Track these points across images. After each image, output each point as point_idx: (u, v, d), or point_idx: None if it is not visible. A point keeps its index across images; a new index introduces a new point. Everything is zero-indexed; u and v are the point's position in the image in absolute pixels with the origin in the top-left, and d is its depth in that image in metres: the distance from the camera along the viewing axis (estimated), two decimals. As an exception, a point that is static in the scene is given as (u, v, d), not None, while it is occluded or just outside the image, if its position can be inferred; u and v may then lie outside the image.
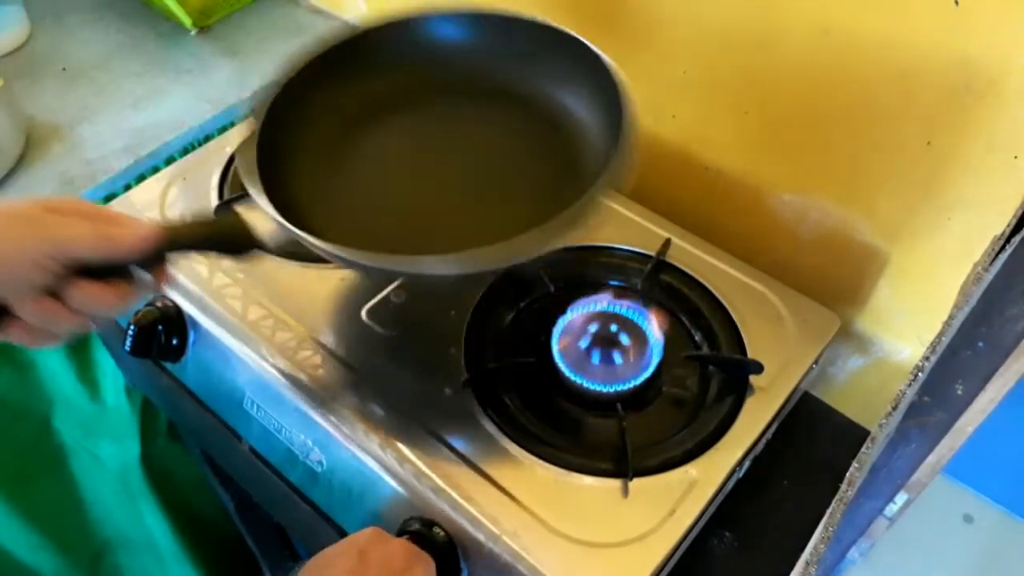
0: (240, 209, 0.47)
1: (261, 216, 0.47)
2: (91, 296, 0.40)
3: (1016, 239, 0.37)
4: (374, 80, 0.60)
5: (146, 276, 0.44)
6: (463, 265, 0.46)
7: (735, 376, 0.58)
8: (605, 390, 0.55)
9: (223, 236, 0.47)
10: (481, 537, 0.50)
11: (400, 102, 0.61)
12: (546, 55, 0.58)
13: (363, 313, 0.60)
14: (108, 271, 0.41)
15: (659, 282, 0.64)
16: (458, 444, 0.53)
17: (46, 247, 0.38)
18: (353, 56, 0.59)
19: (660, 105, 0.69)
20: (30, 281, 0.39)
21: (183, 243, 0.45)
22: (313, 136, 0.57)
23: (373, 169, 0.57)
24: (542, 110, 0.59)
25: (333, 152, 0.58)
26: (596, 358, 0.56)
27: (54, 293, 0.40)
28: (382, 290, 0.61)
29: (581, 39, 0.55)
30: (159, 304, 0.62)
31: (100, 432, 0.79)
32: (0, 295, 0.39)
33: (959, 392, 0.34)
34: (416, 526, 0.51)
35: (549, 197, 0.53)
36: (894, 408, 0.39)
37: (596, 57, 0.54)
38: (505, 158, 0.58)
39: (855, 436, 0.62)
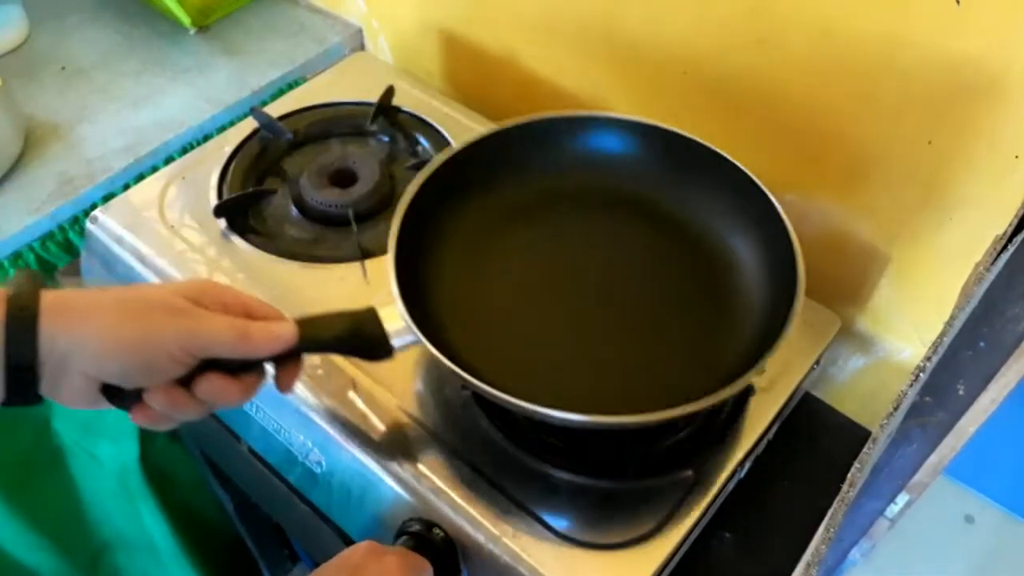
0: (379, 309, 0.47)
1: (392, 315, 0.46)
2: (219, 390, 0.40)
3: (1018, 239, 0.37)
4: (521, 186, 0.59)
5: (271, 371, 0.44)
6: (595, 424, 0.45)
7: (736, 376, 0.58)
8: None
9: (360, 342, 0.46)
10: (481, 538, 0.49)
11: (545, 211, 0.59)
12: (710, 184, 0.56)
13: (362, 313, 0.60)
14: (240, 366, 0.41)
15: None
16: (458, 445, 0.53)
17: (184, 341, 0.38)
18: (498, 157, 0.57)
19: (659, 103, 0.69)
20: (166, 372, 0.39)
21: (319, 345, 0.45)
22: (455, 241, 0.56)
23: (513, 284, 0.55)
24: (696, 238, 0.57)
25: (474, 260, 0.56)
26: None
27: (182, 381, 0.40)
28: (381, 291, 0.61)
29: (752, 176, 0.54)
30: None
31: (99, 432, 0.79)
32: (137, 383, 0.39)
33: (960, 392, 0.34)
34: (416, 527, 0.50)
35: (696, 349, 0.52)
36: (895, 408, 0.39)
37: (766, 199, 0.53)
38: (650, 287, 0.55)
39: (856, 436, 0.62)
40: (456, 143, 0.57)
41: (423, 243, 0.54)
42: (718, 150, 0.56)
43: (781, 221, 0.52)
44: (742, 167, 0.54)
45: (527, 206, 0.59)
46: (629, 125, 0.58)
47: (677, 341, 0.53)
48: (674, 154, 0.58)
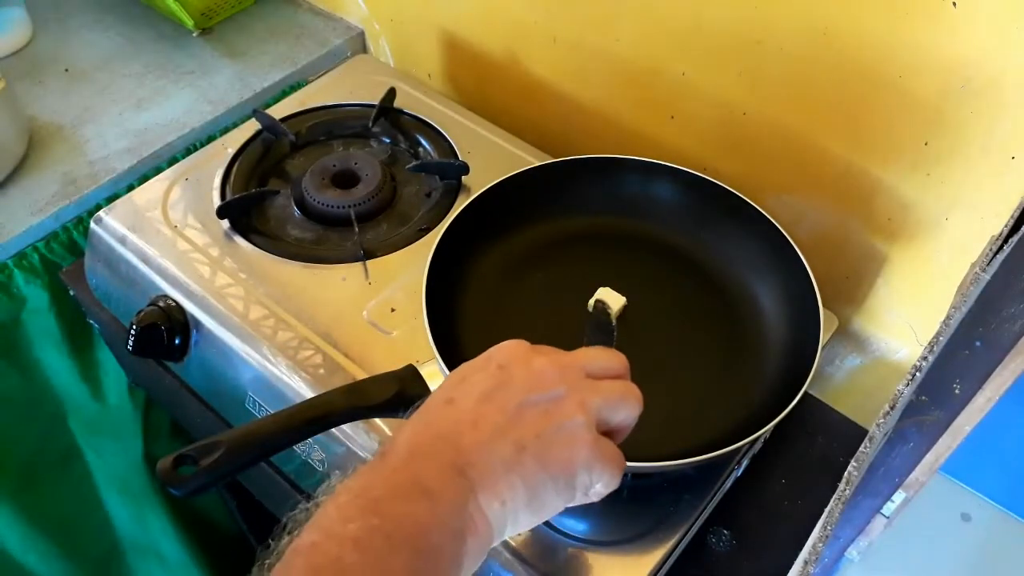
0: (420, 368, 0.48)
1: (433, 373, 0.47)
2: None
3: (1014, 239, 0.38)
4: (549, 227, 0.61)
5: None
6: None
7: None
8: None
9: (407, 404, 0.46)
10: (482, 535, 0.50)
11: (577, 248, 0.61)
12: (736, 230, 0.59)
13: (364, 313, 0.60)
14: None
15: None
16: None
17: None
18: (525, 197, 0.59)
19: (658, 106, 0.69)
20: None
21: (369, 411, 0.46)
22: (482, 281, 0.58)
23: (540, 321, 0.56)
24: (720, 282, 0.59)
25: (501, 299, 0.57)
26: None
27: None
28: (382, 291, 0.62)
29: (781, 229, 0.56)
30: (162, 304, 0.62)
31: (103, 431, 0.79)
32: None
33: (957, 391, 0.35)
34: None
35: (718, 391, 0.53)
36: (892, 407, 0.40)
37: (795, 253, 0.55)
38: (675, 328, 0.56)
39: (853, 435, 0.62)
40: (479, 188, 0.59)
41: (453, 283, 0.56)
42: (746, 198, 0.58)
43: (805, 271, 0.54)
44: (767, 215, 0.57)
45: (551, 247, 0.61)
46: (661, 169, 0.60)
47: (699, 382, 0.54)
48: (703, 200, 0.60)
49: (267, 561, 0.31)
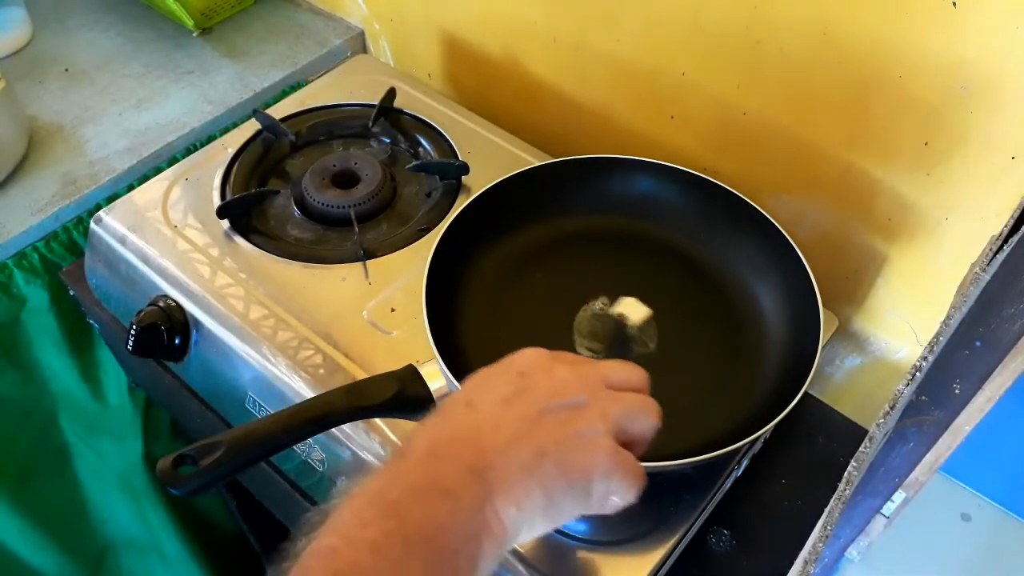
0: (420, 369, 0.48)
1: (433, 373, 0.47)
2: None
3: (1014, 239, 0.38)
4: (549, 227, 0.61)
5: None
6: None
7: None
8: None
9: (406, 404, 0.46)
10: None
11: (577, 248, 0.61)
12: (738, 231, 0.59)
13: (364, 313, 0.60)
14: None
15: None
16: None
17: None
18: (527, 197, 0.60)
19: (659, 106, 0.69)
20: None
21: (369, 411, 0.45)
22: (482, 282, 0.58)
23: (541, 322, 0.56)
24: (720, 282, 0.59)
25: (502, 300, 0.57)
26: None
27: None
28: (382, 291, 0.62)
29: (781, 229, 0.56)
30: (162, 304, 0.62)
31: (103, 431, 0.79)
32: None
33: (957, 391, 0.35)
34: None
35: (717, 391, 0.53)
36: (892, 407, 0.40)
37: (795, 253, 0.55)
38: (676, 328, 0.56)
39: (853, 435, 0.62)
40: (480, 188, 0.59)
41: (452, 284, 0.56)
42: (746, 198, 0.58)
43: (805, 271, 0.53)
44: (768, 215, 0.57)
45: (551, 247, 0.61)
46: (661, 169, 0.60)
47: (699, 383, 0.54)
48: (703, 200, 0.59)
49: (284, 564, 0.31)
